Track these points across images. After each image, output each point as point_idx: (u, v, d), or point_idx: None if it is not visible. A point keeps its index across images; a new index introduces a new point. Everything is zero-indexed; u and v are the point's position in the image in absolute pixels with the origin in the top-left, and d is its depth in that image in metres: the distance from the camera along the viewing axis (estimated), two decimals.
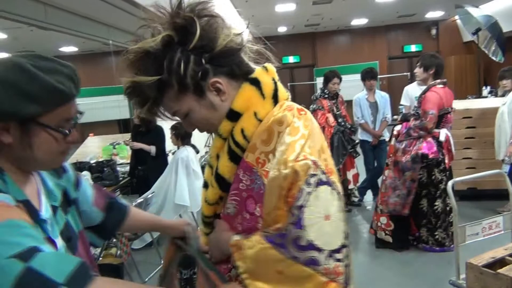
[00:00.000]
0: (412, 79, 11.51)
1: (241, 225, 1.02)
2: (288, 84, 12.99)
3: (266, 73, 1.07)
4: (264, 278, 0.95)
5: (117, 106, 13.50)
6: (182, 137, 4.30)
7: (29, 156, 0.92)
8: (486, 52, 7.91)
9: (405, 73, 12.78)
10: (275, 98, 1.05)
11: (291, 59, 13.87)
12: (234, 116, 1.03)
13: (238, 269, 0.98)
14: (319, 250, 0.91)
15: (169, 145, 4.78)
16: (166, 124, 4.98)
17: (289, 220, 0.92)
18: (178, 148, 4.40)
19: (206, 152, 6.20)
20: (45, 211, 0.97)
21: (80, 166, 4.68)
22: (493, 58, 7.88)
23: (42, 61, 0.90)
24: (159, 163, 4.61)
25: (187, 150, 4.27)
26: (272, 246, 0.93)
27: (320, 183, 0.94)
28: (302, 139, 0.96)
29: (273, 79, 1.07)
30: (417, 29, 13.51)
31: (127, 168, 4.91)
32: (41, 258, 0.76)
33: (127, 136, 7.12)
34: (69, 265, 0.78)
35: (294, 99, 1.11)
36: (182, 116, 1.05)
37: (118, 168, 4.86)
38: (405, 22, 13.02)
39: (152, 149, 4.58)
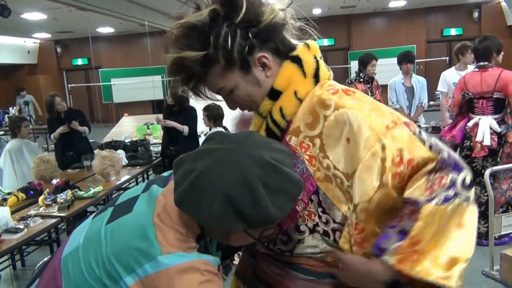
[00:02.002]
0: (450, 64, 11.14)
1: None
2: None
3: (308, 51, 1.04)
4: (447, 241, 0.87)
5: (151, 87, 13.78)
6: (215, 118, 4.32)
7: (222, 240, 0.97)
8: None
9: (443, 58, 12.36)
10: (316, 77, 1.03)
11: (325, 42, 13.64)
12: (275, 94, 1.02)
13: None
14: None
15: (201, 126, 4.83)
16: (198, 105, 5.04)
17: (446, 172, 0.88)
18: (210, 129, 4.43)
19: None
20: None
21: (115, 145, 4.80)
22: None
23: (273, 175, 0.85)
24: (191, 143, 4.67)
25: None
26: (449, 203, 0.87)
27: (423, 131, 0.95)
28: (373, 112, 0.94)
29: (315, 57, 1.04)
30: (458, 11, 12.98)
31: (160, 148, 5.00)
32: None
33: (161, 116, 7.31)
34: None
35: None
36: (226, 92, 1.02)
37: (151, 148, 4.96)
38: (445, 4, 12.53)
39: (185, 129, 4.64)
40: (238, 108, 1.09)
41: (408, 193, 0.89)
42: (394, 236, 0.89)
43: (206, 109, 4.33)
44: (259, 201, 0.82)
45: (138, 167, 4.34)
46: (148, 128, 5.62)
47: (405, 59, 5.04)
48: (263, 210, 0.82)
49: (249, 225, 0.84)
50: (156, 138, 5.43)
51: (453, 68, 4.77)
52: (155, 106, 13.53)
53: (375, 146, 0.90)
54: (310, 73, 1.02)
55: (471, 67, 4.47)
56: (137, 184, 5.27)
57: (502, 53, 3.55)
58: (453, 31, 13.11)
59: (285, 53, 1.03)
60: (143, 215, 0.91)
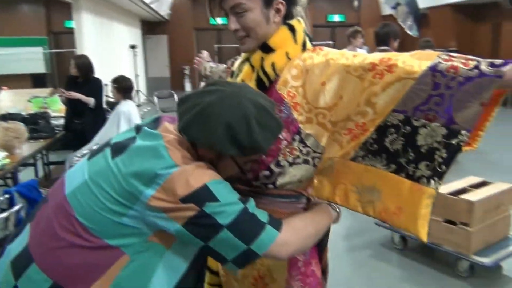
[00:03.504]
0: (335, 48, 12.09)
1: None
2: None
3: (300, 24, 1.27)
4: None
5: (31, 59, 12.64)
6: (124, 90, 4.28)
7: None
8: (403, 26, 8.55)
9: (328, 42, 13.36)
10: (304, 46, 1.25)
11: (336, 18, 13.73)
12: (267, 49, 1.23)
13: None
14: None
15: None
16: (104, 78, 4.92)
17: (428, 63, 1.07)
18: (119, 102, 4.38)
19: None
20: None
21: (11, 118, 4.48)
22: (409, 32, 8.57)
23: (265, 116, 1.07)
24: (97, 115, 4.56)
25: (128, 104, 4.28)
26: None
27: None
28: (343, 56, 1.19)
29: (304, 31, 1.27)
30: (341, 0, 14.07)
31: (61, 121, 4.79)
32: (251, 202, 1.08)
33: (44, 91, 6.83)
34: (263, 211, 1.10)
35: None
36: (241, 10, 1.19)
37: (52, 121, 4.73)
38: None
39: (91, 101, 4.50)
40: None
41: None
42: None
43: (115, 81, 4.27)
44: (252, 133, 1.04)
45: (41, 140, 4.14)
46: (46, 102, 5.31)
47: None
48: (254, 140, 1.04)
49: (240, 151, 1.05)
50: (55, 111, 5.17)
51: (344, 50, 5.31)
52: (35, 80, 12.49)
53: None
54: (300, 42, 1.25)
55: (359, 50, 5.06)
56: (43, 159, 5.01)
57: (399, 40, 4.09)
58: (336, 18, 14.19)
59: (286, 18, 1.24)
60: (152, 142, 1.06)
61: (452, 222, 2.91)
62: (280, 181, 1.25)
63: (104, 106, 4.94)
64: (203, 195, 0.99)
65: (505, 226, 3.08)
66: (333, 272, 3.05)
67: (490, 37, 11.69)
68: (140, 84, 11.80)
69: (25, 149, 3.93)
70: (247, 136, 1.03)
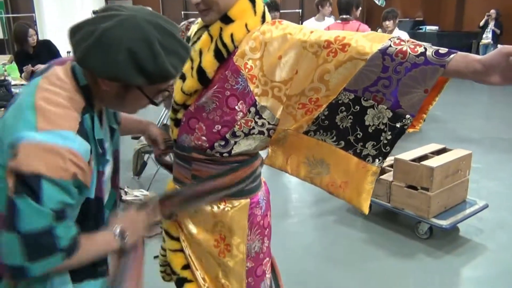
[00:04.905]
0: (303, 16, 12.04)
1: (220, 117, 1.24)
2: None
3: None
4: None
5: None
6: None
7: (116, 103, 1.06)
8: None
9: (297, 10, 13.23)
10: (264, 18, 1.25)
11: None
12: (226, 20, 1.22)
13: None
14: None
15: None
16: (65, 44, 4.72)
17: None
18: None
19: None
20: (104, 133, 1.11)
21: None
22: (376, 2, 8.61)
23: (169, 39, 0.96)
24: None
25: None
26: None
27: None
28: (301, 31, 1.20)
29: (264, 2, 1.26)
30: None
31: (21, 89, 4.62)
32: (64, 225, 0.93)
33: (3, 58, 6.54)
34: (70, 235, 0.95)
35: None
36: None
37: (12, 89, 4.57)
38: None
39: None
40: None
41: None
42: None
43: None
44: (157, 57, 0.93)
45: (2, 108, 4.00)
46: (5, 70, 5.10)
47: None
48: (161, 66, 0.94)
49: (147, 79, 0.95)
50: (15, 79, 4.98)
51: (313, 18, 5.29)
52: None
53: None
54: (259, 14, 1.25)
55: (328, 19, 5.05)
56: None
57: (360, 8, 4.12)
58: None
59: None
60: (24, 101, 0.96)
61: (414, 187, 3.03)
62: (236, 150, 1.28)
63: None
64: (27, 184, 0.87)
65: (463, 190, 3.24)
66: (297, 236, 3.19)
67: (455, 6, 11.88)
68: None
69: None
70: (152, 62, 0.93)
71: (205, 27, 1.28)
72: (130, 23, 0.93)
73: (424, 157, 3.16)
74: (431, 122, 6.01)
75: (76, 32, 0.95)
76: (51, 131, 0.90)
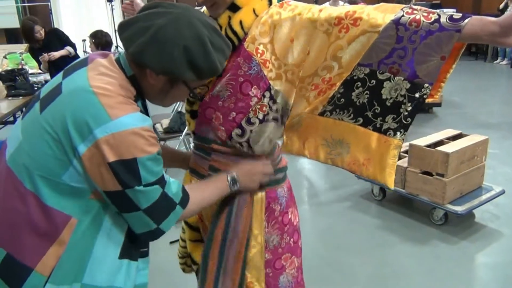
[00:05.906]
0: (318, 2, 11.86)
1: (235, 104, 1.24)
2: None
3: None
4: None
5: (3, 13, 12.10)
6: (103, 46, 4.19)
7: (158, 97, 1.10)
8: None
9: None
10: (270, 1, 1.24)
11: None
12: (234, 8, 1.22)
13: None
14: None
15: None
16: (81, 33, 4.78)
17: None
18: None
19: None
20: None
21: None
22: None
23: (216, 37, 1.03)
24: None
25: None
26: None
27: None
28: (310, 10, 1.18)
29: None
30: None
31: (40, 78, 4.69)
32: (169, 184, 1.05)
33: (20, 46, 6.63)
34: (179, 188, 1.09)
35: None
36: None
37: (30, 78, 4.64)
38: None
39: (69, 49, 4.45)
40: None
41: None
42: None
43: (93, 36, 4.17)
44: (209, 55, 1.00)
45: (21, 97, 4.06)
46: (22, 59, 5.17)
47: None
48: (211, 62, 1.01)
49: (197, 75, 1.01)
50: (32, 68, 5.05)
51: (327, 3, 5.24)
52: (9, 35, 12.02)
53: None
54: None
55: (341, 3, 5.00)
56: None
57: None
58: None
59: None
60: (78, 87, 0.97)
61: (429, 173, 3.02)
62: (254, 139, 1.28)
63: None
64: (128, 173, 0.95)
65: (479, 176, 3.20)
66: (311, 222, 3.20)
67: None
68: (119, 40, 11.48)
69: (4, 107, 3.87)
70: (203, 58, 0.99)
71: (214, 17, 1.27)
72: (184, 21, 0.99)
73: (440, 143, 3.13)
74: (449, 108, 5.93)
75: (127, 28, 1.00)
76: (124, 116, 0.95)
